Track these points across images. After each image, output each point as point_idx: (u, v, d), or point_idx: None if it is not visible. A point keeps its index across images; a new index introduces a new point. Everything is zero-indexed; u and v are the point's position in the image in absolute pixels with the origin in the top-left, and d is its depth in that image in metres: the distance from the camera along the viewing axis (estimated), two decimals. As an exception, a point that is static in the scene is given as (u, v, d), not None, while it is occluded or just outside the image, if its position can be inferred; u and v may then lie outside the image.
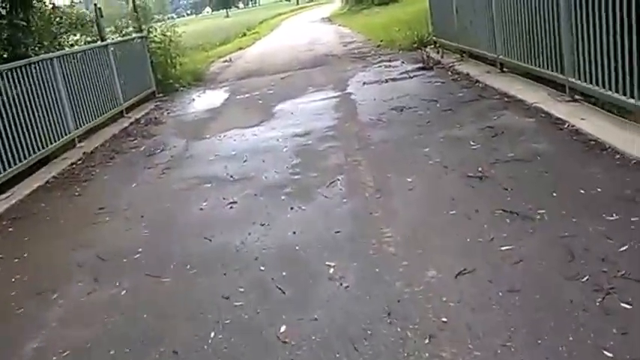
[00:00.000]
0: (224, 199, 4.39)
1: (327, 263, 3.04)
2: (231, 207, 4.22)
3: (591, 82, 4.92)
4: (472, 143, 4.73)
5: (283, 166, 5.02)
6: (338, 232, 3.43)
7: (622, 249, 2.71)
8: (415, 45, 11.56)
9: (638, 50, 4.10)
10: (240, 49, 20.38)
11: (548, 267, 2.67)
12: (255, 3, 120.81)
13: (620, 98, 4.43)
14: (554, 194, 3.46)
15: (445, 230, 3.24)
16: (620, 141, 4.04)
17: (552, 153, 4.18)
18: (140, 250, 3.66)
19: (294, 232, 3.55)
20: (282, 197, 4.24)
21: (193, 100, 10.20)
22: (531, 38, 6.07)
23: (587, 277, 2.52)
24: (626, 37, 4.25)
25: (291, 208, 3.97)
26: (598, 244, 2.79)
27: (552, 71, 5.70)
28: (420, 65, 9.23)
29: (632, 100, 4.25)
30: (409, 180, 4.15)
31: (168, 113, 9.08)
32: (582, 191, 3.42)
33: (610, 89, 4.58)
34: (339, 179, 4.42)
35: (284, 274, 3.03)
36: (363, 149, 5.16)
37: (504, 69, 7.33)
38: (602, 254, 2.68)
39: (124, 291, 3.17)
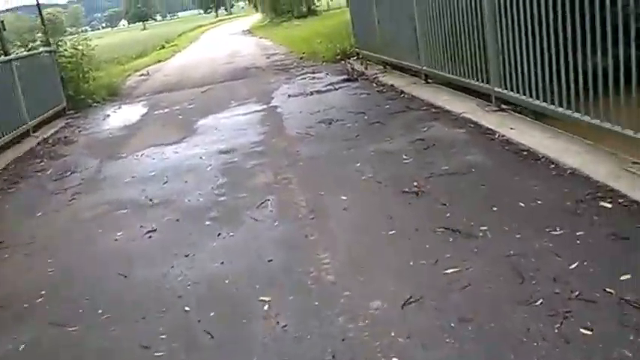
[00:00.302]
0: (142, 227, 3.97)
1: (260, 298, 2.72)
2: (150, 236, 3.81)
3: (517, 91, 4.90)
4: (404, 157, 4.56)
5: (208, 187, 4.65)
6: (271, 260, 3.12)
7: (572, 266, 2.56)
8: (338, 57, 11.48)
9: (558, 59, 4.11)
10: (159, 62, 19.71)
11: (498, 291, 2.48)
12: (174, 16, 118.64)
13: (548, 107, 4.40)
14: (494, 208, 3.31)
15: (386, 253, 3.01)
16: (552, 150, 3.97)
17: (486, 165, 4.07)
18: (43, 292, 3.18)
19: (222, 263, 3.20)
20: (208, 222, 3.89)
21: (108, 116, 9.61)
22: (456, 49, 6.03)
23: (540, 301, 2.35)
24: (545, 47, 4.26)
25: (218, 235, 3.62)
26: (547, 262, 2.63)
27: (478, 81, 5.66)
28: (345, 77, 9.10)
29: (559, 109, 4.22)
30: (343, 198, 3.91)
31: (79, 131, 8.46)
32: (522, 204, 3.29)
33: (538, 98, 4.55)
34: (269, 200, 4.11)
35: (212, 314, 2.68)
36: (293, 166, 4.89)
37: (429, 80, 7.30)
38: (553, 273, 2.53)
39: (23, 345, 2.70)
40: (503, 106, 5.31)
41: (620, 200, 3.08)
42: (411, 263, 2.84)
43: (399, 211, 3.53)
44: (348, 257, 3.01)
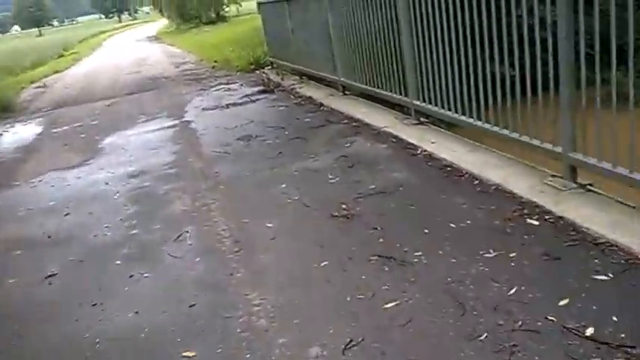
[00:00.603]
0: (39, 271, 3.57)
1: (184, 354, 2.49)
2: (49, 282, 3.42)
3: (435, 104, 4.93)
4: (330, 176, 4.46)
5: (116, 219, 4.33)
6: (193, 305, 2.89)
7: (511, 293, 2.54)
8: (252, 66, 11.29)
9: (468, 71, 4.17)
10: (57, 72, 18.66)
11: (441, 325, 2.41)
12: (73, 20, 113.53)
13: (467, 120, 4.45)
14: (426, 231, 3.26)
15: (321, 288, 2.88)
16: (474, 165, 4.00)
17: (413, 182, 4.03)
18: None
19: (137, 312, 2.90)
20: (118, 262, 3.57)
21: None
22: (373, 61, 6.02)
23: (485, 335, 2.29)
24: (456, 59, 4.31)
25: (131, 277, 3.33)
26: (485, 289, 2.60)
27: (397, 94, 5.68)
28: (261, 88, 8.94)
29: (475, 121, 4.27)
30: (270, 225, 3.75)
31: (-31, 155, 7.78)
32: (452, 225, 3.26)
33: (456, 112, 4.59)
34: (187, 231, 3.87)
35: (130, 377, 2.43)
36: (212, 190, 4.66)
37: (347, 91, 7.27)
38: (493, 302, 2.49)
39: None
40: (422, 119, 5.35)
41: (547, 217, 3.11)
42: (348, 299, 2.72)
43: (330, 239, 3.41)
44: (280, 297, 2.85)
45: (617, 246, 2.66)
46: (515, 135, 3.83)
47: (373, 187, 4.07)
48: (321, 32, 7.52)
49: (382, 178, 4.21)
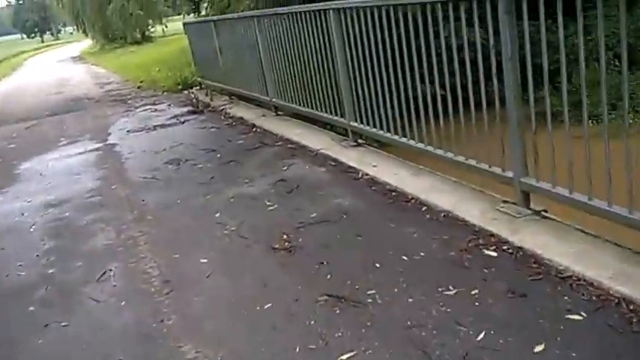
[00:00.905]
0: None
1: None
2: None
3: (374, 126, 4.64)
4: (268, 203, 4.04)
5: (32, 255, 3.73)
6: (120, 362, 2.41)
7: (479, 338, 2.22)
8: (180, 86, 10.71)
9: (406, 95, 3.98)
10: (-27, 93, 17.21)
11: (408, 382, 2.04)
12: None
13: (404, 141, 4.18)
14: (377, 265, 2.91)
15: (267, 338, 2.45)
16: (419, 189, 3.71)
17: (358, 209, 3.68)
18: None
19: (54, 374, 2.41)
20: (32, 308, 3.01)
21: None
22: (308, 82, 5.67)
23: (459, 392, 1.95)
24: (386, 79, 4.06)
25: (46, 326, 2.79)
26: (450, 334, 2.26)
27: (333, 115, 5.35)
28: (190, 109, 8.40)
29: (417, 143, 3.99)
30: (204, 261, 3.29)
31: None
32: (405, 257, 2.93)
33: (396, 134, 4.30)
34: (112, 269, 3.35)
35: None
36: (140, 220, 4.13)
37: (279, 112, 6.89)
38: (461, 350, 2.16)
39: None
40: (360, 141, 5.05)
41: (504, 247, 2.83)
42: (298, 350, 2.32)
43: (273, 276, 2.99)
44: (220, 349, 2.40)
45: (584, 280, 2.40)
46: (460, 158, 3.57)
47: (315, 214, 3.69)
48: (250, 52, 7.12)
49: (324, 204, 3.84)
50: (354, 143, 5.03)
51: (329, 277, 2.88)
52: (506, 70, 2.94)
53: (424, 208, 3.46)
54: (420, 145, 3.99)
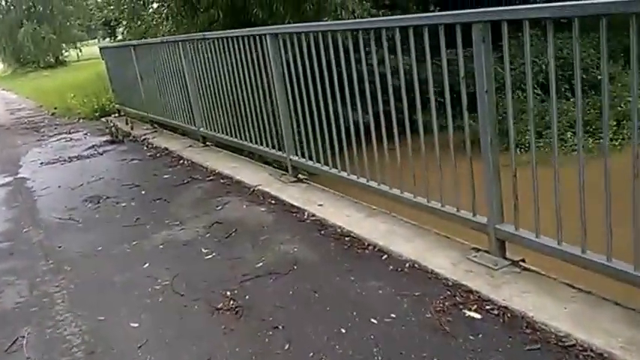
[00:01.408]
0: None
1: None
2: None
3: (318, 161, 4.15)
4: (205, 250, 3.41)
5: None
6: None
7: None
8: (97, 113, 9.74)
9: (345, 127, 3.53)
10: None
11: None
12: None
13: (353, 179, 3.71)
14: (343, 330, 2.38)
15: None
16: (375, 234, 3.23)
17: (309, 258, 3.14)
18: None
19: None
20: None
21: None
22: (242, 112, 5.09)
23: None
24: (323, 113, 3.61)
25: None
26: None
27: (270, 148, 4.80)
28: (109, 138, 7.53)
29: (369, 182, 3.53)
30: (135, 325, 2.63)
31: None
32: (374, 321, 2.44)
33: (345, 170, 3.83)
34: (24, 336, 2.61)
35: None
36: (56, 272, 3.37)
37: (208, 142, 6.24)
38: None
39: None
40: (301, 176, 4.52)
41: (488, 307, 2.39)
42: None
43: (219, 346, 2.38)
44: None
45: (592, 350, 1.99)
46: (420, 200, 3.13)
47: (260, 265, 3.11)
48: (175, 79, 6.45)
49: (269, 252, 3.26)
50: (295, 179, 4.50)
51: (287, 347, 2.32)
52: (482, 106, 2.53)
53: (385, 257, 2.97)
54: (373, 184, 3.53)
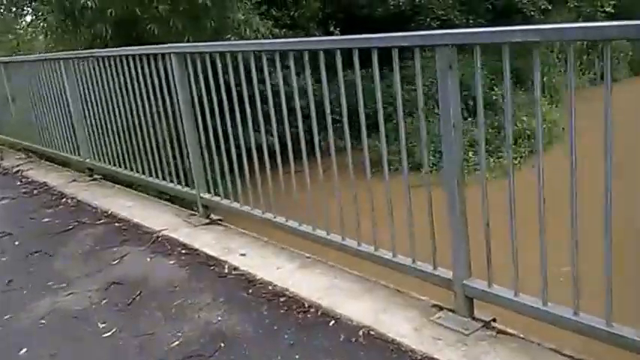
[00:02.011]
0: None
1: None
2: None
3: (237, 200, 3.67)
4: (102, 325, 2.79)
5: None
6: None
7: None
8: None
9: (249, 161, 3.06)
10: None
11: None
12: None
13: (280, 222, 3.28)
14: None
15: None
16: (316, 291, 2.80)
17: (239, 330, 2.61)
18: None
19: None
20: None
21: None
22: (140, 140, 4.47)
23: None
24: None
25: None
26: None
27: (175, 184, 4.24)
28: (-29, 172, 6.48)
29: (293, 223, 3.11)
30: None
31: None
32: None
33: (270, 211, 3.38)
34: None
35: None
36: None
37: (96, 175, 5.51)
38: None
39: None
40: (214, 216, 4.00)
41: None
42: None
43: None
44: None
45: None
46: (366, 249, 2.75)
47: (177, 343, 2.56)
48: (56, 101, 5.66)
49: (187, 323, 2.72)
50: (207, 220, 3.97)
51: None
52: (446, 143, 2.20)
53: (333, 323, 2.54)
54: (306, 229, 3.11)
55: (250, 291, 2.94)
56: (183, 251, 3.55)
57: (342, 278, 2.88)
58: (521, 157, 11.56)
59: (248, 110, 3.25)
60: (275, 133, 3.08)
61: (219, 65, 3.36)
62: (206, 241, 3.63)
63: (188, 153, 3.95)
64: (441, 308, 2.43)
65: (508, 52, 1.91)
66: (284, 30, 12.54)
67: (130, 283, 3.21)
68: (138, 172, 4.62)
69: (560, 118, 13.49)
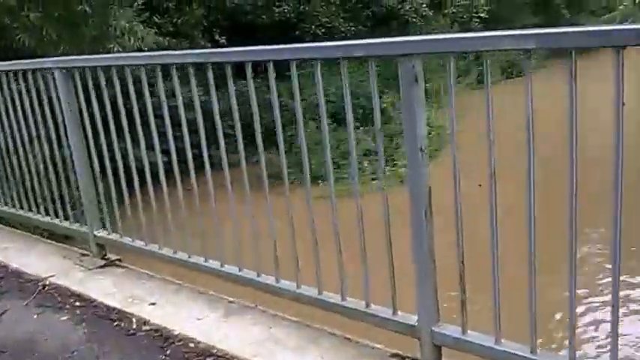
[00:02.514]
0: None
1: None
2: None
3: (141, 237, 3.15)
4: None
5: None
6: None
7: None
8: None
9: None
10: None
11: None
12: None
13: (193, 261, 2.83)
14: None
15: None
16: (251, 346, 2.40)
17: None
18: None
19: None
20: None
21: None
22: (16, 168, 3.78)
23: None
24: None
25: None
26: None
27: (63, 220, 3.62)
28: None
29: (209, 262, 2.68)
30: None
31: None
32: None
33: (186, 250, 2.91)
34: None
35: None
36: None
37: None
38: None
39: None
40: (112, 256, 3.44)
41: None
42: None
43: None
44: None
45: None
46: (308, 292, 2.39)
47: None
48: None
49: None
50: (103, 261, 3.39)
51: None
52: (414, 170, 1.90)
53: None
54: (230, 270, 2.68)
55: (168, 352, 2.45)
56: (78, 303, 2.97)
57: (279, 327, 2.49)
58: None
59: (153, 128, 2.78)
60: (174, 153, 2.68)
61: (116, 80, 2.84)
62: (105, 288, 3.06)
63: (78, 183, 3.36)
64: (402, 358, 2.13)
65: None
66: (167, 38, 11.88)
67: (14, 348, 2.60)
68: (14, 206, 3.90)
69: (447, 123, 13.96)
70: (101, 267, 3.34)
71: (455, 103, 1.82)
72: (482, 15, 19.46)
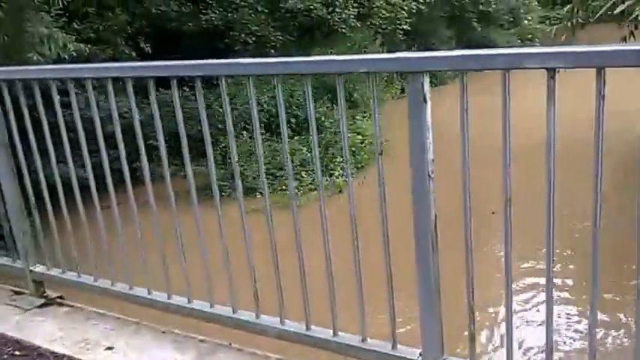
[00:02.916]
0: None
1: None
2: None
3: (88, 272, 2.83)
4: None
5: None
6: None
7: None
8: None
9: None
10: None
11: None
12: None
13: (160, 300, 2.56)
14: None
15: None
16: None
17: None
18: None
19: None
20: None
21: None
22: None
23: None
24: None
25: None
26: None
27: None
28: None
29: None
30: None
31: None
32: None
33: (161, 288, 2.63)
34: None
35: None
36: None
37: None
38: None
39: None
40: (52, 293, 3.07)
41: None
42: None
43: None
44: None
45: None
46: (293, 327, 2.18)
47: None
48: None
49: None
50: (42, 300, 3.01)
51: None
52: (419, 193, 1.75)
53: None
54: (219, 311, 2.41)
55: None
56: (18, 352, 2.60)
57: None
58: (352, 174, 11.72)
59: (84, 144, 2.51)
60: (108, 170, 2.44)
61: (55, 93, 2.52)
62: (49, 332, 2.71)
63: (7, 212, 2.98)
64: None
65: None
66: (89, 45, 11.20)
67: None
68: None
69: (383, 131, 14.08)
70: (39, 307, 2.96)
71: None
72: (405, 27, 19.94)
